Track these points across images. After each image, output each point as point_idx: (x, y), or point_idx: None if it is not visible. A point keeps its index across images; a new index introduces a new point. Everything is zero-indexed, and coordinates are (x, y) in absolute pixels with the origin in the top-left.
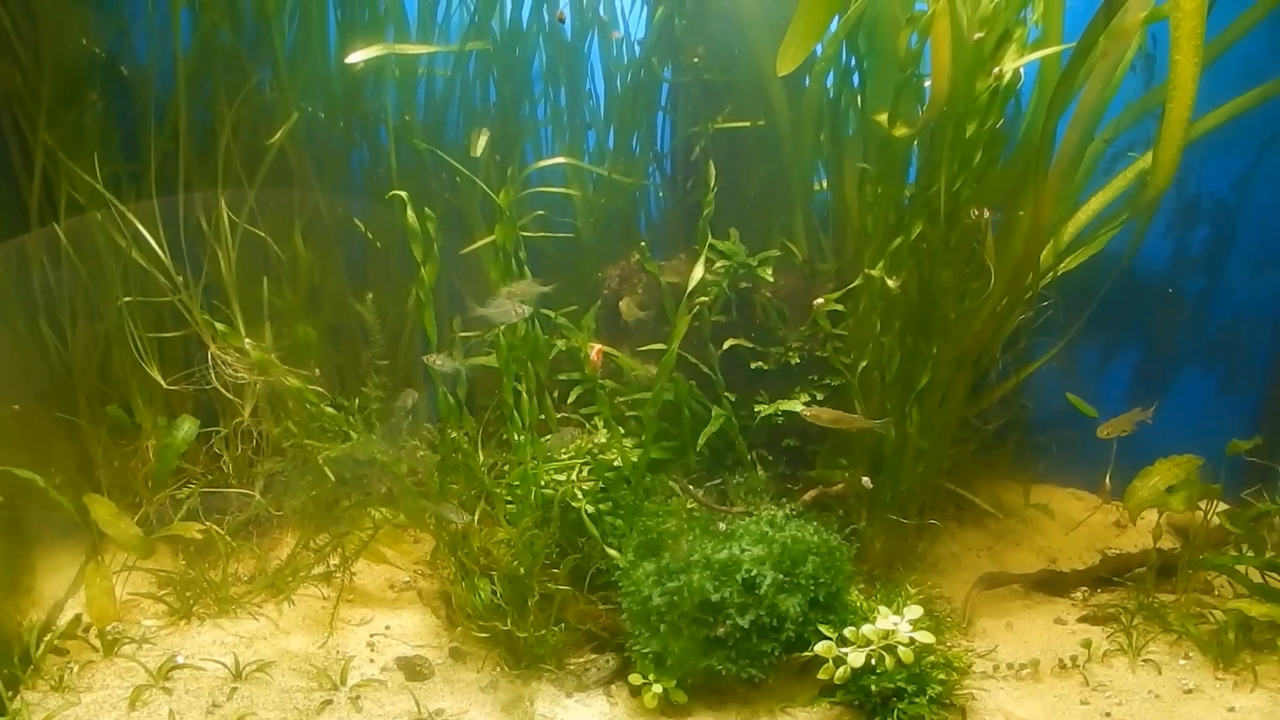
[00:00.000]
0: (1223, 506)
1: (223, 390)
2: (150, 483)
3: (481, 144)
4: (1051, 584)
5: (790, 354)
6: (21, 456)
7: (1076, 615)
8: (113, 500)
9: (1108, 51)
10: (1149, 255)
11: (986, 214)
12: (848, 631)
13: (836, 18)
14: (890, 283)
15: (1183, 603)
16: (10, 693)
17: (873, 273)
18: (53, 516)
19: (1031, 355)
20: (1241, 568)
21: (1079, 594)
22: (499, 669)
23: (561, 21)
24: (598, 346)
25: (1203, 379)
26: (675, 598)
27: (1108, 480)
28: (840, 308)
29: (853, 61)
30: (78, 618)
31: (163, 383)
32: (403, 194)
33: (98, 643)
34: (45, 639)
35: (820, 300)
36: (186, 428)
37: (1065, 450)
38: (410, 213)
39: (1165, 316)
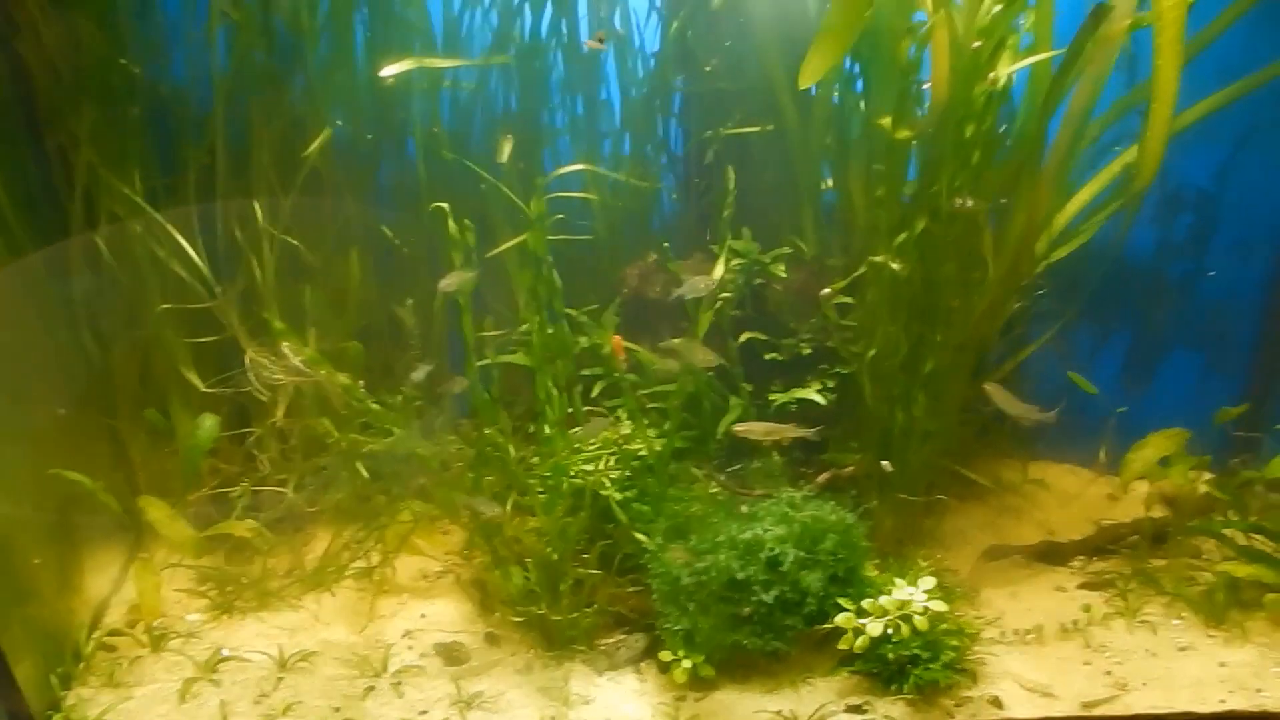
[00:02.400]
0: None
1: (258, 392)
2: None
3: (507, 151)
4: (1051, 554)
5: (802, 345)
6: (68, 460)
7: (1076, 583)
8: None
9: (1095, 57)
10: (1138, 243)
11: (970, 202)
12: (865, 603)
13: None
14: (895, 265)
15: (1174, 567)
16: (64, 690)
17: (877, 259)
18: (94, 518)
19: (1028, 341)
20: (1229, 531)
21: (1077, 563)
22: (533, 652)
23: (601, 41)
24: (617, 338)
25: (1191, 360)
26: (703, 578)
27: (1102, 455)
28: (849, 300)
29: (856, 69)
30: (133, 609)
31: (200, 386)
32: (444, 205)
33: (145, 638)
34: (94, 636)
35: (828, 290)
36: (208, 425)
37: (1062, 428)
38: (451, 222)
39: (1154, 301)
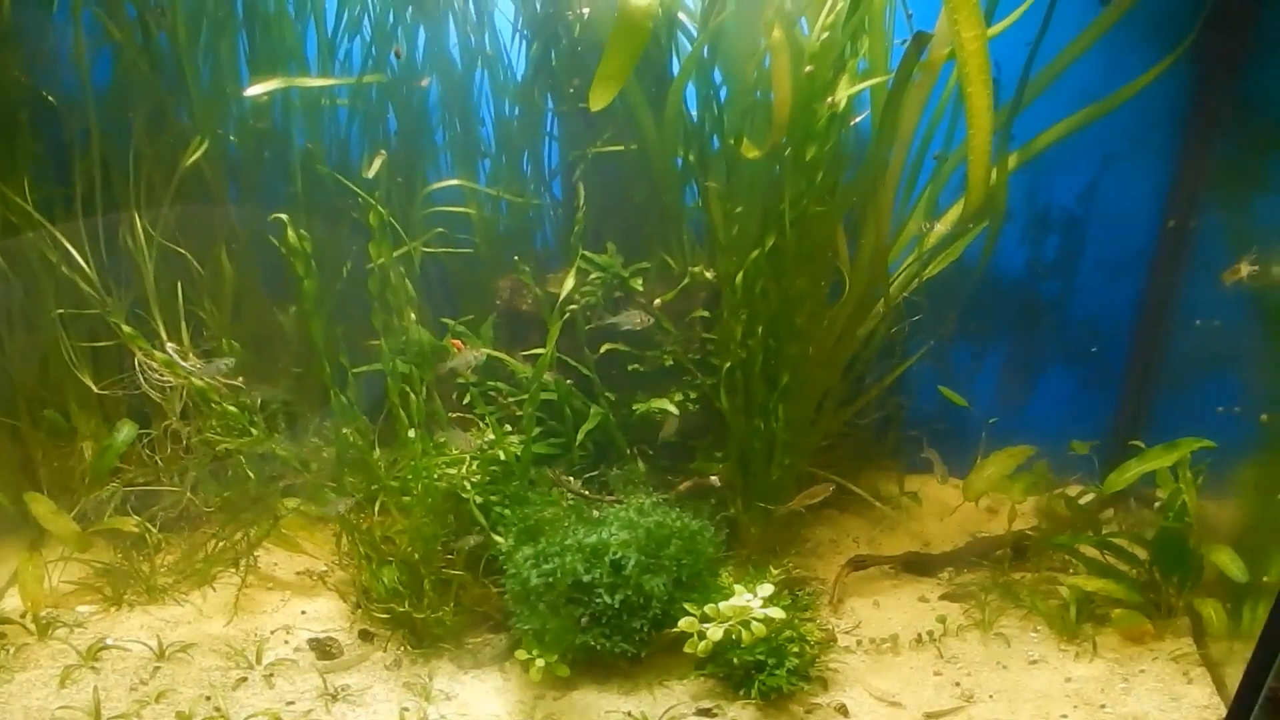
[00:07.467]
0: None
1: (151, 394)
2: (87, 480)
3: (376, 165)
4: (920, 565)
5: (664, 357)
6: None
7: (939, 594)
8: (53, 497)
9: (921, 82)
10: (1008, 263)
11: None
12: (708, 608)
13: (689, 47)
14: (708, 274)
15: (1035, 580)
16: None
17: (694, 269)
18: None
19: (907, 359)
20: (1084, 547)
21: (945, 574)
22: (403, 649)
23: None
24: (457, 341)
25: (1064, 377)
26: (551, 579)
27: None
28: (706, 313)
29: (710, 90)
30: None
31: (94, 388)
32: (283, 216)
33: (33, 627)
34: None
35: (659, 300)
36: (126, 431)
37: (943, 443)
38: (290, 233)
39: (1028, 320)
